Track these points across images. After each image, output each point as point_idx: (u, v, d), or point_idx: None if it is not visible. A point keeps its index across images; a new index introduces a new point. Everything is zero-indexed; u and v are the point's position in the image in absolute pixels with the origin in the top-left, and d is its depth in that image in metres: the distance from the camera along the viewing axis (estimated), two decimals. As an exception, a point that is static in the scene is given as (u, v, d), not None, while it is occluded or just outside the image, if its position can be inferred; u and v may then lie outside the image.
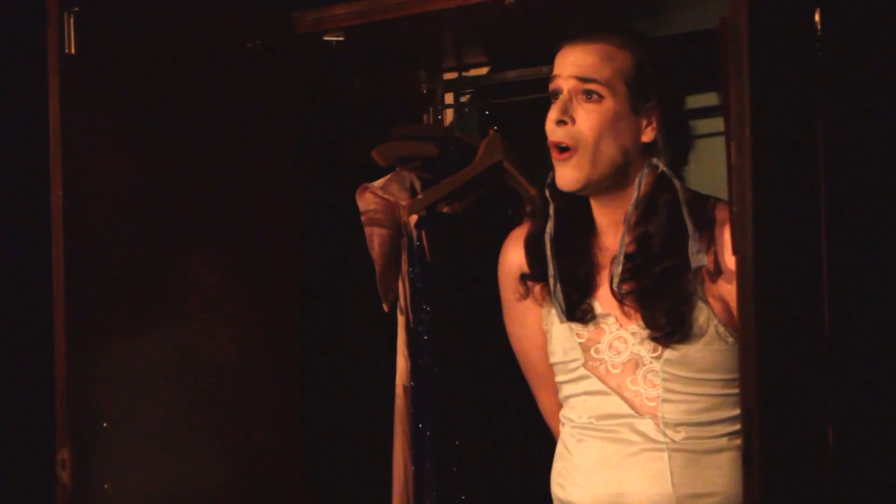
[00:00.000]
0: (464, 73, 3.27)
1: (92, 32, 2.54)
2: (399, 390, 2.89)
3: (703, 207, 2.37)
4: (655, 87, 2.37)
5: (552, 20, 2.73)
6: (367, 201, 2.90)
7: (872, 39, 2.01)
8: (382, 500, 2.86)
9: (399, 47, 2.99)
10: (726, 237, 2.30)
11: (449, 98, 3.31)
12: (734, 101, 1.88)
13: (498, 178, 2.95)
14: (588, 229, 2.45)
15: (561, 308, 2.42)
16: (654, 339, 2.33)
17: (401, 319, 2.90)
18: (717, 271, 2.33)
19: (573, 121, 2.36)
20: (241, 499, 2.72)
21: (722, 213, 2.34)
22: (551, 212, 2.45)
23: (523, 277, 2.53)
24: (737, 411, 2.34)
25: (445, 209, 2.92)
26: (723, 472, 2.33)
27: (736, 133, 1.89)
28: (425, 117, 3.29)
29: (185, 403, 2.66)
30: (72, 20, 2.52)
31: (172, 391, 2.65)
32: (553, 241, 2.43)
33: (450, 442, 2.78)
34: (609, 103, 2.35)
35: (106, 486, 2.54)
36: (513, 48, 3.13)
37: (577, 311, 2.42)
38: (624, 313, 2.39)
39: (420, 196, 2.89)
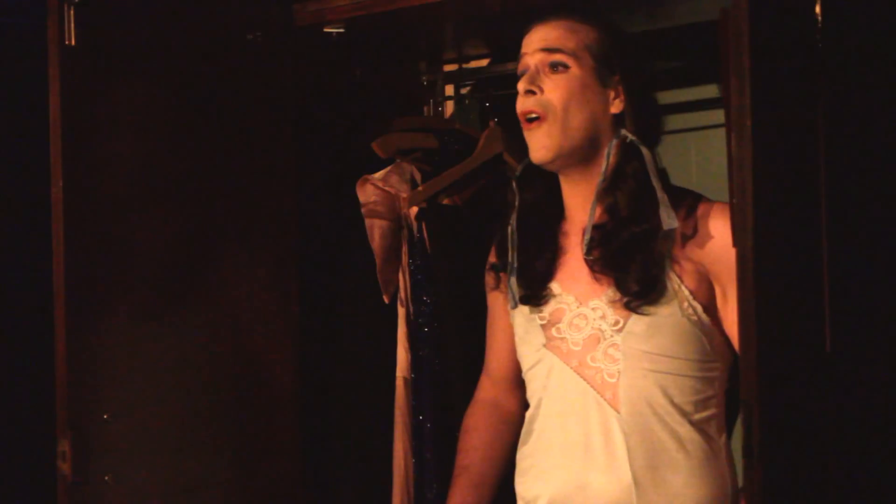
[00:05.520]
0: (464, 65, 3.27)
1: (92, 24, 2.54)
2: (399, 382, 2.90)
3: (680, 192, 2.40)
4: (620, 59, 2.41)
5: (552, 11, 2.73)
6: (367, 193, 2.90)
7: (873, 31, 2.01)
8: (383, 492, 2.87)
9: (399, 39, 2.98)
10: (710, 223, 2.33)
11: (449, 90, 3.31)
12: (735, 92, 1.88)
13: (498, 169, 2.95)
14: (555, 217, 2.48)
15: (513, 297, 2.46)
16: (626, 305, 2.34)
17: (401, 311, 2.90)
18: (692, 255, 2.34)
19: (541, 90, 2.39)
20: (241, 491, 2.73)
21: (705, 207, 2.36)
22: (516, 203, 2.48)
23: (492, 268, 2.56)
24: (699, 397, 2.36)
25: (446, 201, 2.92)
26: (685, 463, 2.33)
27: (736, 125, 1.89)
28: (426, 109, 3.29)
29: (186, 396, 2.66)
30: (72, 12, 2.52)
31: (173, 383, 2.65)
32: (517, 232, 2.47)
33: (450, 433, 2.78)
34: (575, 72, 2.39)
35: (106, 477, 2.54)
36: (513, 39, 3.12)
37: (538, 296, 2.44)
38: (584, 291, 2.40)
39: (420, 188, 2.89)
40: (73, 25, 2.52)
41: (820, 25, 1.95)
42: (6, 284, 3.20)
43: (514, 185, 2.50)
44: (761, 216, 1.86)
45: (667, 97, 2.88)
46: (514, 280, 2.45)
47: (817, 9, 1.95)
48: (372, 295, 2.91)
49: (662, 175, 2.39)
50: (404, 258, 2.91)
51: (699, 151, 2.85)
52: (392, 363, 2.91)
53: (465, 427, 2.65)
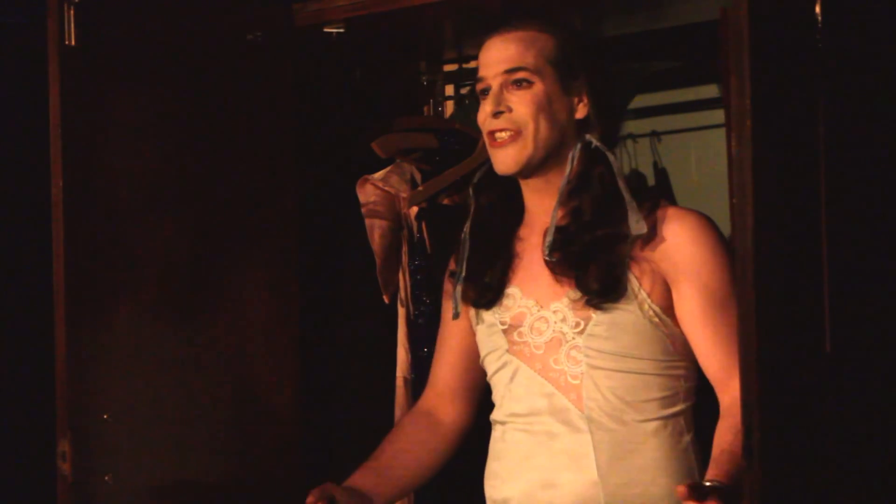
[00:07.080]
0: (464, 65, 3.27)
1: (92, 24, 2.54)
2: (399, 382, 2.90)
3: (641, 196, 2.40)
4: (580, 62, 2.40)
5: (551, 11, 2.73)
6: (367, 193, 2.90)
7: (873, 31, 2.01)
8: (383, 492, 2.86)
9: (399, 38, 2.99)
10: (664, 226, 2.33)
11: (449, 90, 3.32)
12: (735, 92, 1.88)
13: (498, 169, 2.95)
14: (512, 222, 2.48)
15: (455, 305, 2.48)
16: (587, 303, 2.34)
17: (401, 311, 2.90)
18: (648, 256, 2.34)
19: (510, 109, 2.38)
20: (241, 490, 2.73)
21: (662, 211, 2.37)
22: (471, 211, 2.49)
23: (451, 275, 2.56)
24: (666, 394, 2.36)
25: (446, 201, 2.92)
26: (650, 460, 2.34)
27: (736, 125, 1.88)
28: (426, 109, 3.29)
29: (186, 395, 2.66)
30: (72, 12, 2.52)
31: (173, 383, 2.65)
32: (470, 240, 2.47)
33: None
34: (539, 86, 2.38)
35: (106, 477, 2.55)
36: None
37: (494, 301, 2.44)
38: (545, 294, 2.40)
39: (420, 188, 2.89)
40: (73, 25, 2.52)
41: (820, 25, 1.95)
42: (6, 284, 3.20)
43: (470, 191, 2.50)
44: (761, 216, 1.86)
45: (667, 97, 2.89)
46: (459, 288, 2.47)
47: (817, 9, 1.94)
48: (372, 295, 2.91)
49: (641, 179, 2.39)
50: (404, 258, 2.91)
51: (699, 151, 2.85)
52: (392, 363, 2.91)
53: (395, 425, 2.68)
